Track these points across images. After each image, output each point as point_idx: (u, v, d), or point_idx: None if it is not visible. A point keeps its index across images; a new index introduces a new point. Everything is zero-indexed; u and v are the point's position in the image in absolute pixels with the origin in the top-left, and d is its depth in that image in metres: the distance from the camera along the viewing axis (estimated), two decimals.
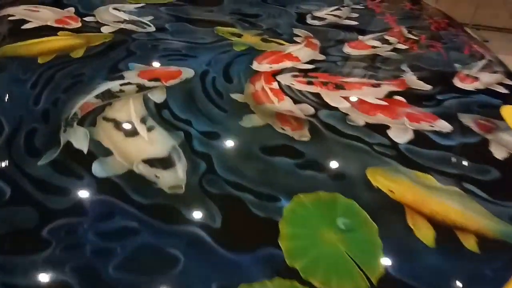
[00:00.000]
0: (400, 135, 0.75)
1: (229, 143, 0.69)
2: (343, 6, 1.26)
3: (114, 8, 1.06)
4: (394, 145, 0.73)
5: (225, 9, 1.15)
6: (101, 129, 0.67)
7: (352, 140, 0.72)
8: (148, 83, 0.78)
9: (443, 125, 0.79)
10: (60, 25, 0.95)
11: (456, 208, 0.64)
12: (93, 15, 1.02)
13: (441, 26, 1.23)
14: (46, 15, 0.99)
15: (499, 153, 0.76)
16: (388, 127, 0.76)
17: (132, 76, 0.80)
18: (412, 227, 0.59)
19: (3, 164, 0.61)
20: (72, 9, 1.04)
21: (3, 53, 0.84)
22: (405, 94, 0.86)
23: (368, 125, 0.76)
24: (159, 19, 1.04)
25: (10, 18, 0.97)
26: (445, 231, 0.60)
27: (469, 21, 5.04)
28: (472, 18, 4.97)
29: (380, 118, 0.78)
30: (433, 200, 0.64)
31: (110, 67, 0.82)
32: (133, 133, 0.67)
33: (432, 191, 0.65)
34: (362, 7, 1.28)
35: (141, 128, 0.68)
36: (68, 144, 0.64)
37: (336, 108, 0.79)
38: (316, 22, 1.13)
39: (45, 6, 1.04)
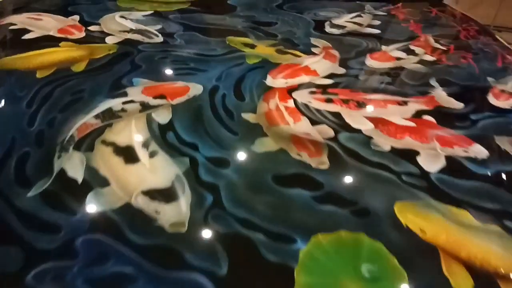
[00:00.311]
0: (431, 162, 0.67)
1: (239, 172, 0.62)
2: (364, 13, 1.18)
3: (121, 16, 1.01)
4: (424, 174, 0.65)
5: (238, 16, 1.08)
6: (98, 155, 0.61)
7: (377, 168, 0.64)
8: (153, 101, 0.72)
9: (479, 150, 0.71)
10: (63, 35, 0.90)
11: (497, 251, 0.56)
12: (99, 24, 0.96)
13: (471, 34, 1.14)
14: (49, 24, 0.94)
15: None
16: (417, 152, 0.68)
17: (136, 93, 0.74)
18: (447, 276, 0.51)
19: None
20: (76, 17, 0.98)
21: (1, 66, 0.79)
22: (435, 113, 0.78)
23: (394, 150, 0.68)
24: (168, 28, 0.98)
25: (11, 27, 0.92)
26: (485, 280, 0.52)
27: (490, 22, 4.88)
28: (493, 19, 4.81)
29: (408, 142, 0.70)
30: (470, 242, 0.56)
31: (113, 83, 0.76)
32: (134, 159, 0.61)
33: (469, 231, 0.57)
34: (384, 14, 1.20)
35: (142, 154, 0.62)
36: (62, 172, 0.58)
37: (358, 130, 0.71)
38: (335, 31, 1.05)
39: (49, 14, 0.99)
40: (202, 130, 0.67)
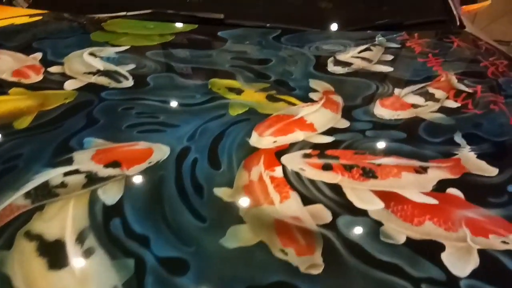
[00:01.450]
0: (461, 261, 0.50)
1: (200, 281, 0.46)
2: (375, 45, 1.03)
3: (90, 54, 0.87)
4: (452, 280, 0.48)
5: (228, 52, 0.94)
6: (16, 255, 0.46)
7: (389, 273, 0.48)
8: (103, 171, 0.57)
9: None
10: (17, 79, 0.77)
11: None
12: (62, 64, 0.83)
13: (500, 70, 0.97)
14: (5, 65, 0.81)
15: None
16: (441, 246, 0.52)
17: (85, 159, 0.59)
18: None
19: None
20: (39, 55, 0.85)
21: None
22: (463, 184, 0.61)
23: (411, 243, 0.52)
24: (143, 68, 0.84)
25: None
26: None
27: (510, 39, 4.68)
28: None
29: (429, 229, 0.54)
30: None
31: (59, 145, 0.61)
32: (61, 262, 0.46)
33: None
34: (398, 46, 1.04)
35: (74, 253, 0.47)
36: None
37: (364, 212, 0.55)
38: (339, 69, 0.90)
39: (8, 51, 0.86)
40: (159, 215, 0.52)
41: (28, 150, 0.60)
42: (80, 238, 0.48)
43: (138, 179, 0.56)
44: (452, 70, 0.94)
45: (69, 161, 0.59)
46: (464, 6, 1.55)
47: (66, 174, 0.56)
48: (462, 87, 0.87)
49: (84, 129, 0.65)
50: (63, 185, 0.55)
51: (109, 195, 0.54)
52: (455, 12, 1.30)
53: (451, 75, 0.91)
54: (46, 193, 0.54)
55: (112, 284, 0.43)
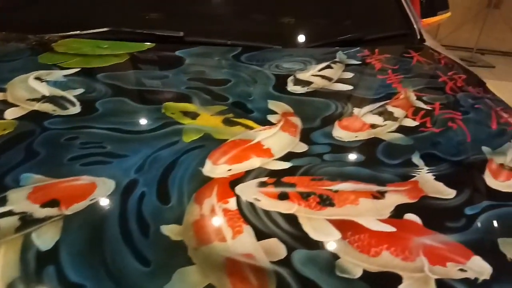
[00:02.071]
0: None
1: None
2: (335, 62, 1.02)
3: (36, 78, 0.82)
4: None
5: (185, 72, 0.91)
6: None
7: None
8: (40, 211, 0.53)
9: (480, 266, 0.53)
10: None
11: None
12: (4, 90, 0.78)
13: (458, 85, 0.98)
14: None
15: None
16: (398, 278, 0.50)
17: (20, 198, 0.54)
18: None
19: None
20: None
21: None
22: (420, 208, 0.60)
23: (368, 276, 0.50)
24: (92, 92, 0.80)
25: None
26: None
27: (473, 45, 4.85)
28: (477, 43, 4.79)
29: (386, 260, 0.52)
30: None
31: None
32: None
33: None
34: (358, 63, 1.03)
35: None
36: None
37: (320, 245, 0.53)
38: (299, 89, 0.88)
39: None
40: (99, 259, 0.48)
41: None
42: None
43: (77, 220, 0.52)
44: (411, 86, 0.94)
45: (3, 201, 0.54)
46: (424, 19, 1.58)
47: (0, 216, 0.52)
48: (420, 104, 0.87)
49: (21, 163, 0.60)
50: None
51: (45, 239, 0.49)
52: (415, 26, 1.31)
53: (410, 92, 0.91)
54: None
55: None
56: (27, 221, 0.51)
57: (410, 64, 1.06)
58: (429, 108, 0.86)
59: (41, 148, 0.64)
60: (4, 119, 0.70)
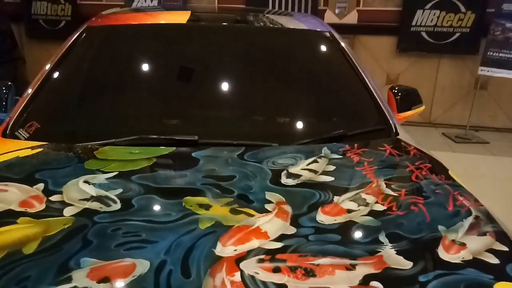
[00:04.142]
0: None
1: None
2: (320, 157, 1.25)
3: (85, 181, 1.05)
4: None
5: (199, 171, 1.14)
6: None
7: None
8: (96, 286, 0.72)
9: None
10: (23, 209, 0.93)
11: None
12: (61, 193, 1.00)
13: (423, 173, 1.19)
14: (12, 196, 0.98)
15: None
16: None
17: (81, 277, 0.74)
18: None
19: None
20: (41, 185, 1.03)
21: None
22: (383, 277, 0.78)
23: None
24: (128, 191, 1.02)
25: None
26: None
27: (466, 123, 5.14)
28: (468, 121, 5.08)
29: None
30: None
31: (60, 266, 0.76)
32: None
33: None
34: (340, 156, 1.26)
35: None
36: None
37: None
38: (290, 181, 1.10)
39: (15, 183, 1.04)
40: None
41: (35, 272, 0.75)
42: None
43: None
44: (382, 176, 1.15)
45: (69, 280, 0.73)
46: (401, 114, 1.84)
47: None
48: (389, 191, 1.07)
49: (80, 250, 0.81)
50: None
51: None
52: (391, 122, 1.56)
53: (381, 181, 1.12)
54: None
55: None
56: None
57: (383, 156, 1.29)
58: (396, 195, 1.06)
59: (93, 238, 0.84)
60: (64, 216, 0.91)
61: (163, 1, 5.02)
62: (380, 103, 1.63)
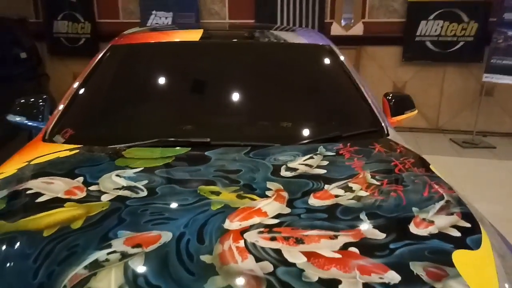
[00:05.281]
0: None
1: None
2: (316, 154, 1.43)
3: (117, 175, 1.26)
4: None
5: (211, 166, 1.33)
6: None
7: None
8: (131, 250, 0.92)
9: (393, 277, 0.87)
10: (68, 196, 1.14)
11: None
12: (98, 184, 1.21)
13: (406, 167, 1.37)
14: (58, 187, 1.19)
15: None
16: (339, 281, 0.85)
17: (119, 244, 0.94)
18: None
19: None
20: (81, 178, 1.24)
21: (17, 228, 1.02)
22: (360, 245, 0.96)
23: (321, 281, 0.85)
24: (152, 182, 1.22)
25: (28, 191, 1.17)
26: None
27: (472, 129, 5.24)
28: (475, 126, 5.18)
29: (333, 272, 0.87)
30: None
31: (102, 237, 0.97)
32: None
33: None
34: (333, 154, 1.45)
35: None
36: None
37: (294, 265, 0.89)
38: (288, 174, 1.29)
39: (59, 178, 1.25)
40: (167, 273, 0.86)
41: (83, 241, 0.95)
42: None
43: (153, 253, 0.91)
44: (369, 169, 1.33)
45: (109, 246, 0.93)
46: (394, 117, 2.02)
47: (108, 253, 0.91)
48: (373, 181, 1.25)
49: (117, 225, 1.01)
50: (106, 260, 0.89)
51: (136, 264, 0.88)
52: (383, 124, 1.74)
53: (367, 173, 1.30)
54: (96, 265, 0.88)
55: None
56: (124, 255, 0.90)
57: (372, 153, 1.47)
58: (379, 183, 1.24)
59: (126, 216, 1.05)
60: (101, 201, 1.12)
61: (176, 19, 5.30)
62: (374, 108, 1.82)
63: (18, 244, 0.97)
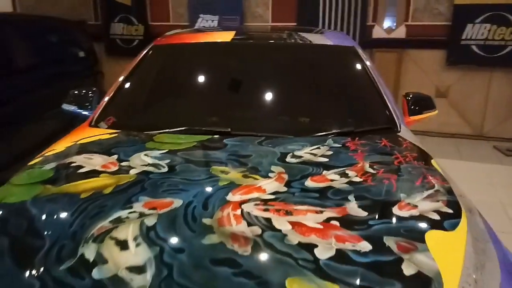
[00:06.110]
0: (324, 252, 0.97)
1: (189, 256, 0.96)
2: (324, 145, 1.56)
3: (145, 155, 1.48)
4: (316, 260, 0.94)
5: (226, 151, 1.51)
6: (106, 245, 1.00)
7: (283, 255, 0.96)
8: (148, 211, 1.12)
9: (364, 246, 0.99)
10: (103, 169, 1.37)
11: None
12: (128, 161, 1.43)
13: (407, 160, 1.46)
14: (96, 161, 1.43)
15: (408, 271, 0.93)
16: (315, 245, 0.99)
17: (139, 206, 1.14)
18: None
19: (40, 268, 0.95)
20: (115, 156, 1.47)
21: (60, 191, 1.25)
22: (342, 219, 1.09)
23: (300, 244, 0.99)
24: (173, 161, 1.42)
25: (72, 164, 1.41)
26: None
27: (493, 134, 5.01)
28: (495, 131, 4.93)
29: (312, 238, 1.01)
30: None
31: (126, 200, 1.18)
32: (126, 248, 0.98)
33: None
34: (339, 146, 1.57)
35: (131, 245, 0.99)
36: (82, 255, 0.96)
37: (279, 230, 1.04)
38: (293, 160, 1.43)
39: (98, 155, 1.49)
40: (173, 229, 1.04)
41: (110, 203, 1.17)
42: (135, 239, 1.01)
43: (165, 215, 1.10)
44: (369, 160, 1.44)
45: (131, 207, 1.14)
46: (411, 117, 2.09)
47: (129, 213, 1.11)
48: (370, 170, 1.36)
49: (139, 193, 1.21)
50: (127, 218, 1.09)
51: (150, 221, 1.07)
52: (396, 122, 1.83)
53: (366, 163, 1.41)
54: (119, 221, 1.08)
55: (148, 256, 0.95)
56: (142, 215, 1.10)
57: (377, 146, 1.57)
58: (375, 172, 1.35)
59: (148, 187, 1.25)
60: (130, 174, 1.33)
61: (222, 21, 5.57)
62: (390, 106, 1.91)
63: (60, 202, 1.20)
